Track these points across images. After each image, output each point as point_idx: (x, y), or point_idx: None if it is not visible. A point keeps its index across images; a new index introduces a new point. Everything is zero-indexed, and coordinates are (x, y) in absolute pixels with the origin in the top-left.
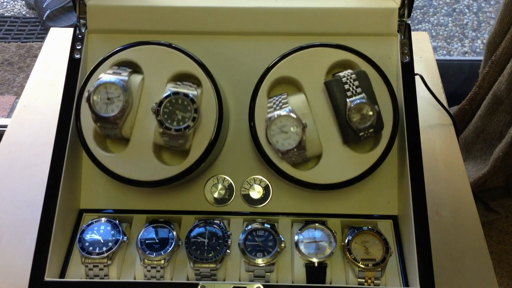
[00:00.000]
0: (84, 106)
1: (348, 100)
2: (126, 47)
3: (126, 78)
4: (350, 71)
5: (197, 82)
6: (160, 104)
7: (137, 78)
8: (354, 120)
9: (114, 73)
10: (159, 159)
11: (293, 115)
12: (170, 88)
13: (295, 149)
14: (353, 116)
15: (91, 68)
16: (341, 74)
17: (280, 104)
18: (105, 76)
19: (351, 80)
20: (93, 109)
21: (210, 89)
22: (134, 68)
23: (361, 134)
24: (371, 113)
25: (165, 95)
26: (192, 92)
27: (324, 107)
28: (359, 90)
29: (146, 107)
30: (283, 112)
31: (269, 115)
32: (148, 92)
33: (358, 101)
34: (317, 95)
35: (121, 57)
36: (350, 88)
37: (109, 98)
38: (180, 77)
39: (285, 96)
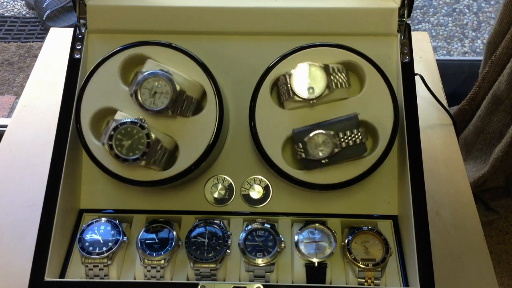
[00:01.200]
0: (84, 107)
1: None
2: (126, 47)
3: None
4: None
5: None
6: (110, 138)
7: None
8: (325, 154)
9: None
10: None
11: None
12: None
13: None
14: (320, 154)
15: (91, 68)
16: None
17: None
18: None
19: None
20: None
21: (210, 89)
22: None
23: (358, 141)
24: (320, 138)
25: (111, 128)
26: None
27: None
28: (300, 146)
29: None
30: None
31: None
32: None
33: (306, 149)
34: None
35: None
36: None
37: (155, 92)
38: None
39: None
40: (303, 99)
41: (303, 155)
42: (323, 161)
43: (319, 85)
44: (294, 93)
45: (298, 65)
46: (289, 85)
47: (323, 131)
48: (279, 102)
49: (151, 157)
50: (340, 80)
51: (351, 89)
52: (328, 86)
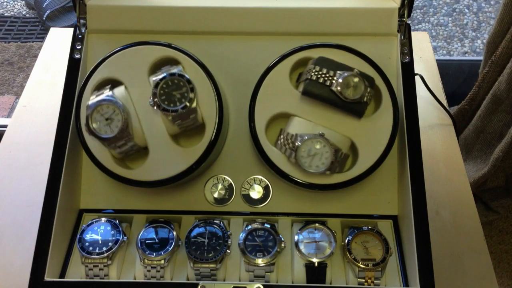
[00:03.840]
0: (84, 105)
1: (330, 88)
2: (126, 47)
3: (110, 92)
4: (310, 66)
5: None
6: (154, 95)
7: (119, 89)
8: (350, 95)
9: (96, 96)
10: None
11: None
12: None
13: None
14: (346, 93)
15: (91, 68)
16: (307, 74)
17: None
18: (91, 101)
19: (317, 71)
20: (99, 136)
21: (210, 89)
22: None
23: (364, 100)
24: (356, 79)
25: (155, 81)
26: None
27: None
28: (330, 73)
29: (144, 109)
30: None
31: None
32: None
33: (340, 80)
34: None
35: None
36: (322, 77)
37: (107, 118)
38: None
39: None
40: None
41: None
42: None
43: (322, 164)
44: (295, 158)
45: (314, 134)
46: (295, 147)
47: (355, 74)
48: (275, 144)
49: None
50: (339, 166)
51: None
52: (329, 169)
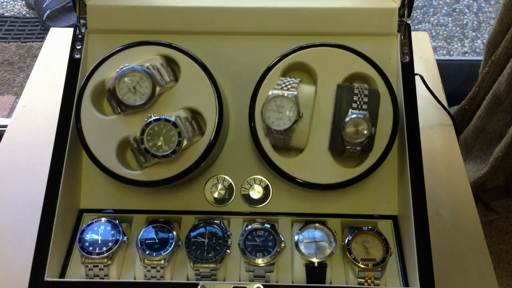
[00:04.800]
0: (84, 107)
1: (350, 110)
2: (126, 47)
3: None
4: (366, 86)
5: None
6: (142, 132)
7: None
8: (347, 131)
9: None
10: None
11: (295, 100)
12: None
13: (281, 133)
14: (348, 127)
15: (91, 68)
16: (356, 84)
17: (289, 86)
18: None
19: (363, 94)
20: (129, 104)
21: (210, 89)
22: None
23: (347, 147)
24: (366, 132)
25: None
26: (171, 117)
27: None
28: (365, 106)
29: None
30: (286, 94)
31: (274, 92)
32: None
33: (360, 115)
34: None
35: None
36: (358, 100)
37: (133, 87)
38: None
39: (298, 81)
40: None
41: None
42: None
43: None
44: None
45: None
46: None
47: (364, 119)
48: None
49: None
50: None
51: None
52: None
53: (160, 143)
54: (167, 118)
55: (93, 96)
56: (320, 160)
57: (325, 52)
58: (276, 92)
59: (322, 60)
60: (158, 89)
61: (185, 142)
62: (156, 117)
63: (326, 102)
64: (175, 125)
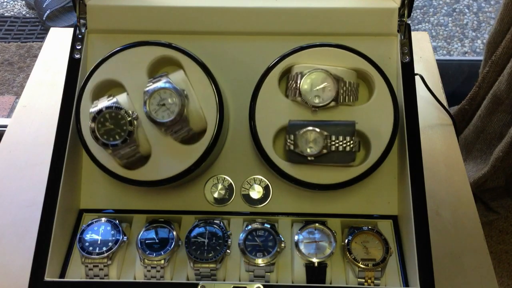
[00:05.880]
0: (84, 106)
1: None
2: (126, 47)
3: (115, 99)
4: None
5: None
6: (93, 119)
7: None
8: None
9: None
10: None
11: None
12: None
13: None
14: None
15: (91, 68)
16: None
17: (157, 79)
18: (148, 87)
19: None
20: (157, 121)
21: (210, 89)
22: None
23: (352, 149)
24: (312, 135)
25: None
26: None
27: None
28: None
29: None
30: (160, 85)
31: (147, 89)
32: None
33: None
34: None
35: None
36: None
37: (163, 104)
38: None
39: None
40: (307, 103)
41: (292, 147)
42: (309, 158)
43: (327, 95)
44: (300, 95)
45: (314, 68)
46: (298, 85)
47: (317, 129)
48: (285, 92)
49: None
50: (348, 96)
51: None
52: (335, 99)
53: (111, 132)
54: (115, 105)
55: (93, 96)
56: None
57: (325, 52)
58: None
59: (322, 60)
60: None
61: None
62: (96, 109)
63: None
64: (118, 108)
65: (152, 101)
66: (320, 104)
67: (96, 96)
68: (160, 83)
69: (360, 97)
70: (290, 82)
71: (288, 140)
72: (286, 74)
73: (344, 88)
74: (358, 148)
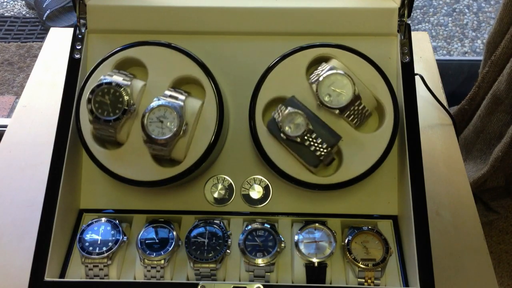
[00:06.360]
0: (84, 107)
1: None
2: (126, 47)
3: (129, 82)
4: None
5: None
6: (92, 92)
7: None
8: (290, 131)
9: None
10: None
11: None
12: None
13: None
14: (286, 128)
15: (91, 68)
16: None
17: (179, 92)
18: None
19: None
20: (150, 135)
21: (210, 89)
22: (138, 65)
23: (319, 156)
24: (299, 119)
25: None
26: (126, 82)
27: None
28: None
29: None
30: (174, 103)
31: (162, 98)
32: (151, 92)
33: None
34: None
35: (126, 55)
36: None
37: (161, 120)
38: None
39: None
40: (317, 95)
41: (277, 117)
42: (282, 135)
43: (336, 101)
44: (317, 84)
45: (347, 72)
46: (322, 75)
47: (306, 119)
48: (309, 74)
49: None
50: (354, 116)
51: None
52: (341, 110)
53: (106, 107)
54: (118, 82)
55: None
56: (342, 157)
57: (325, 52)
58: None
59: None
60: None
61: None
62: (107, 80)
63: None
64: (118, 86)
65: (156, 111)
66: (326, 104)
67: None
68: (174, 102)
69: (365, 125)
70: (320, 68)
71: (279, 110)
72: (321, 61)
73: (356, 108)
74: (328, 161)
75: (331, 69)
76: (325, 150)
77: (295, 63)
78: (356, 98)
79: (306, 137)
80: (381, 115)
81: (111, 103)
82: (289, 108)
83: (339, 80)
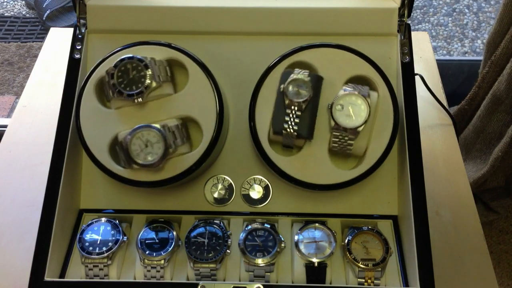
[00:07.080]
0: (84, 105)
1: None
2: (126, 47)
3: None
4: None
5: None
6: (115, 66)
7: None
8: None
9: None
10: None
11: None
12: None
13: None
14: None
15: (91, 68)
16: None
17: (360, 89)
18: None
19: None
20: (134, 160)
21: (210, 89)
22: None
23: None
24: (305, 93)
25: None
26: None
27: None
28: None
29: None
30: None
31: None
32: None
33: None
34: None
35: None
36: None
37: (146, 145)
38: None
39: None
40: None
41: (295, 73)
42: (281, 86)
43: (342, 120)
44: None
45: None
46: (342, 92)
47: (309, 97)
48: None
49: None
50: (343, 145)
51: None
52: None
53: (128, 82)
54: (140, 58)
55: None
56: (320, 160)
57: (325, 52)
58: (348, 89)
59: (323, 60)
60: (170, 151)
61: (154, 89)
62: (130, 56)
63: (326, 101)
64: (146, 66)
65: (144, 133)
66: (333, 112)
67: (97, 96)
68: (168, 135)
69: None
70: (359, 86)
71: (302, 71)
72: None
73: (346, 137)
74: (285, 143)
75: (355, 88)
76: (291, 131)
77: (295, 63)
78: (354, 131)
79: (292, 108)
80: (380, 118)
81: (133, 78)
82: (311, 77)
83: (359, 105)
